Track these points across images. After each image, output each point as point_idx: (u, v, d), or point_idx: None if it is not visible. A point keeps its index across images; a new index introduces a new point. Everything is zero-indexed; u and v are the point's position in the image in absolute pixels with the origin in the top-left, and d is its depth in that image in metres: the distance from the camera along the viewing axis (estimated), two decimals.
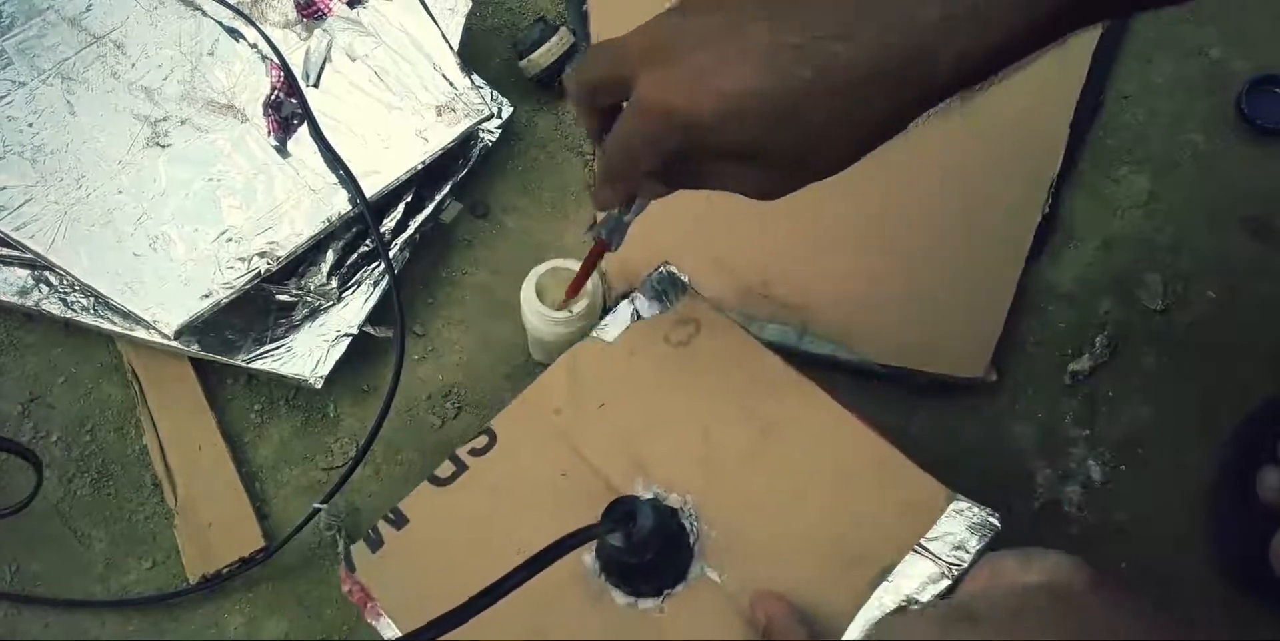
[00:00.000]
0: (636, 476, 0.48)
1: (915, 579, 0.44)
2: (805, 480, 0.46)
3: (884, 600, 0.44)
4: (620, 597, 0.46)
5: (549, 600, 0.46)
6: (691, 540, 0.46)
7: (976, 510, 0.45)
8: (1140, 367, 0.65)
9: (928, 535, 0.44)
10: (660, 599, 0.46)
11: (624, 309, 0.52)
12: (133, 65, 0.66)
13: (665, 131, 0.36)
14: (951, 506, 0.45)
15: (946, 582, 0.43)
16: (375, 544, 0.49)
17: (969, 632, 0.36)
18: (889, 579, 0.44)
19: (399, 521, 0.49)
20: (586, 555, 0.47)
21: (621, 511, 0.42)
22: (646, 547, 0.43)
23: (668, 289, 0.52)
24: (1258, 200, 0.66)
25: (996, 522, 0.44)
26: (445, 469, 0.50)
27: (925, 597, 0.43)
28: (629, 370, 0.51)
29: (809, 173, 0.37)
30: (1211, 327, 0.65)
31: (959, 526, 0.44)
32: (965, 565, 0.44)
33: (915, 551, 0.44)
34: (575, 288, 0.53)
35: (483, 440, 0.50)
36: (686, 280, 0.52)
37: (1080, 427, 0.64)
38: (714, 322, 0.51)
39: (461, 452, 0.50)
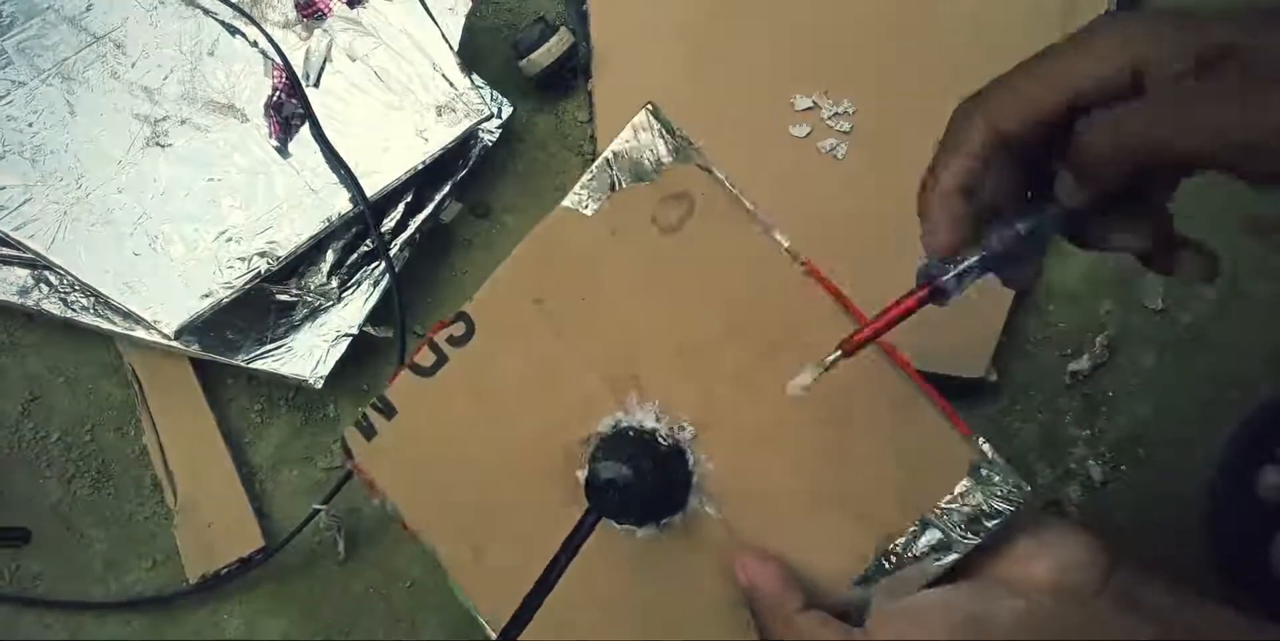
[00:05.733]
0: (630, 391, 0.42)
1: (921, 548, 0.38)
2: (811, 413, 0.39)
3: (885, 567, 0.38)
4: (614, 525, 0.42)
5: (534, 539, 0.43)
6: (690, 464, 0.41)
7: (1002, 479, 0.37)
8: (1140, 367, 0.65)
9: (943, 502, 0.37)
10: (659, 528, 0.42)
11: (601, 174, 0.43)
12: (133, 65, 0.66)
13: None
14: (978, 469, 0.37)
15: (954, 557, 0.38)
16: (368, 432, 0.47)
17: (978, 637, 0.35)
18: (893, 545, 0.38)
19: (387, 411, 0.47)
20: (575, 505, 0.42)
21: (613, 470, 0.39)
22: (640, 497, 0.39)
23: (655, 139, 0.42)
24: (1258, 200, 0.66)
25: (1024, 495, 0.37)
26: (425, 357, 0.46)
27: (930, 569, 0.38)
28: (611, 255, 0.43)
29: None
30: (1211, 327, 0.65)
31: (980, 497, 0.37)
32: (978, 541, 0.37)
33: (926, 518, 0.38)
34: (855, 346, 0.36)
35: (460, 327, 0.45)
36: (681, 132, 0.41)
37: (1080, 427, 0.64)
38: (712, 200, 0.41)
39: (440, 339, 0.46)
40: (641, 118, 0.42)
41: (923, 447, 0.38)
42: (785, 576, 0.38)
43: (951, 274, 0.35)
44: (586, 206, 0.43)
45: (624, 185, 0.42)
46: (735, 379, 0.41)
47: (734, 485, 0.41)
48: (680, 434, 0.42)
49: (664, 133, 0.41)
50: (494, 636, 0.45)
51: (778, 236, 0.40)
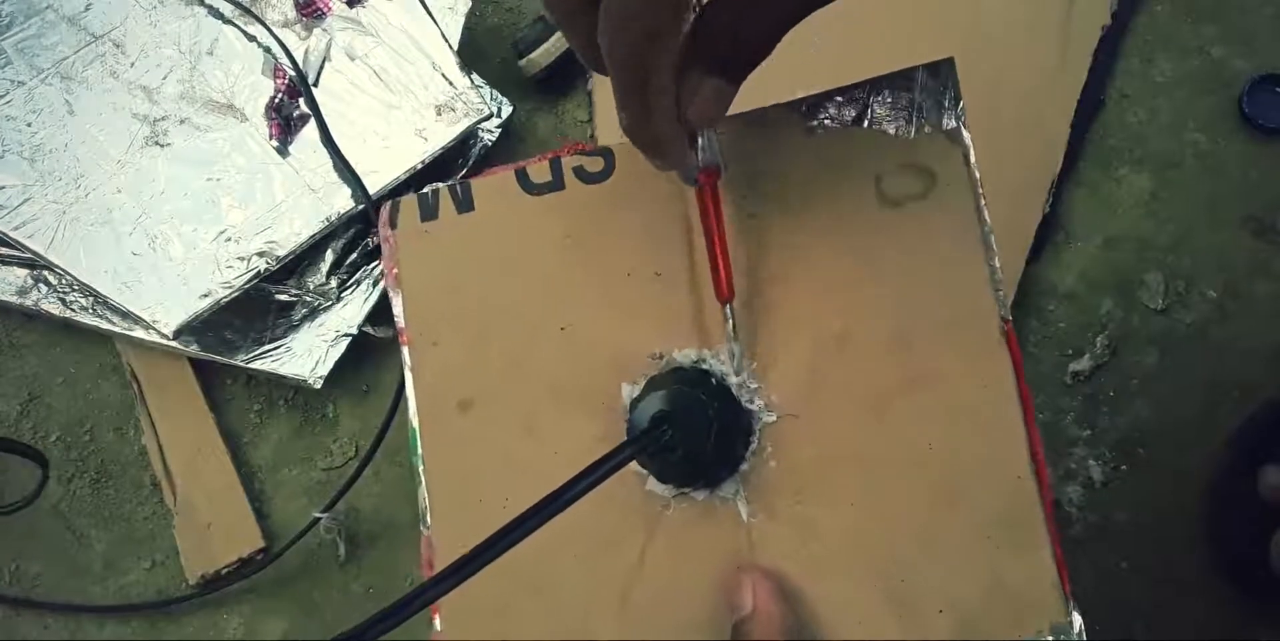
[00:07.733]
0: (726, 343, 0.36)
1: None
2: (909, 483, 0.34)
3: None
4: (634, 466, 0.36)
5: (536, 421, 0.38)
6: (750, 449, 0.35)
7: None
8: (1140, 367, 0.65)
9: None
10: (674, 492, 0.35)
11: (855, 101, 0.37)
12: (132, 64, 0.66)
13: None
14: (1051, 630, 0.33)
15: None
16: (429, 211, 0.40)
17: None
18: None
19: (464, 203, 0.39)
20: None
21: (676, 406, 0.34)
22: (691, 452, 0.34)
23: (934, 96, 0.35)
24: (1258, 200, 0.66)
25: None
26: (540, 172, 0.39)
27: None
28: (803, 191, 0.36)
29: None
30: (1211, 328, 0.65)
31: None
32: None
33: None
34: (726, 281, 0.35)
35: (598, 164, 0.38)
36: (961, 104, 0.35)
37: (1081, 427, 0.64)
38: (952, 193, 0.36)
39: (567, 163, 0.39)
40: (927, 74, 0.36)
41: (1012, 576, 0.33)
42: (794, 624, 0.33)
43: (707, 158, 0.34)
44: (812, 118, 0.36)
45: (875, 122, 0.36)
46: (863, 393, 0.35)
47: (785, 500, 0.35)
48: (758, 412, 0.36)
49: (948, 90, 0.35)
50: (426, 510, 0.37)
51: (996, 267, 0.35)
